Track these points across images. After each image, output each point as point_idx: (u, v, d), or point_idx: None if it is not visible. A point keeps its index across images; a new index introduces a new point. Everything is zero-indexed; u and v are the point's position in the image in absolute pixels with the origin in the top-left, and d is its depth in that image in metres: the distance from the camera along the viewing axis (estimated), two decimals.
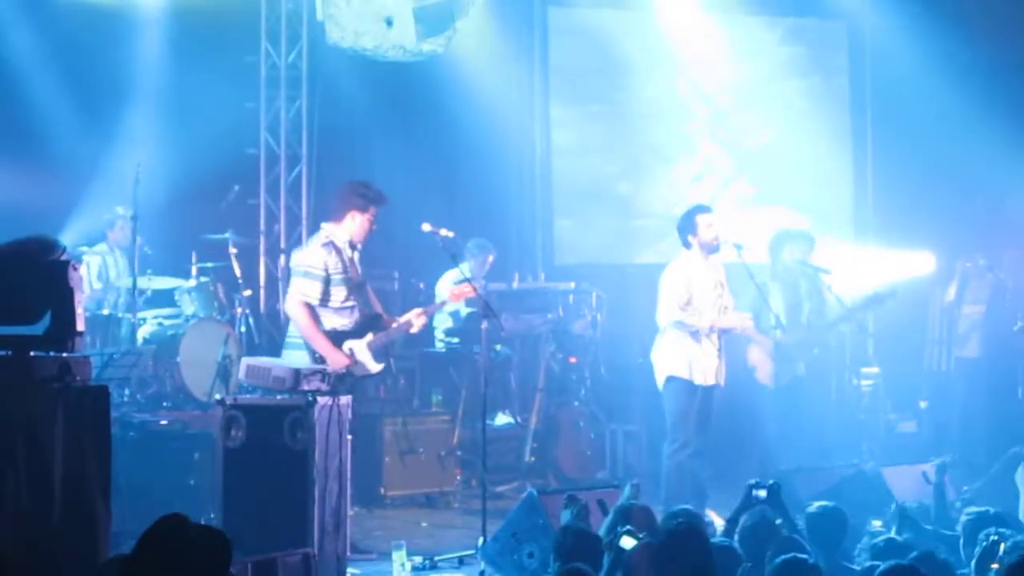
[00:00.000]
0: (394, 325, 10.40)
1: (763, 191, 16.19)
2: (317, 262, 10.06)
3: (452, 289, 10.91)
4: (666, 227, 14.64)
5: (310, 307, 10.03)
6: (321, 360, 9.88)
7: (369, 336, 10.20)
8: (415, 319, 10.48)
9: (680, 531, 6.71)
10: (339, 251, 10.12)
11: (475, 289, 10.80)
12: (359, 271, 10.31)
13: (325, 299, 10.06)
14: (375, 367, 10.29)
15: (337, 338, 10.05)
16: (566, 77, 15.95)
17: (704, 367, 11.19)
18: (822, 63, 16.67)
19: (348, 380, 10.08)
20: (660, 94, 15.91)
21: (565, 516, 8.46)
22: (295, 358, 9.86)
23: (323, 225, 10.33)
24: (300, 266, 10.13)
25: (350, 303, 10.16)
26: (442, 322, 13.57)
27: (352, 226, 10.20)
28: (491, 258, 13.77)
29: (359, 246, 10.30)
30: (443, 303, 11.24)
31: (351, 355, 10.06)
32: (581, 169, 15.93)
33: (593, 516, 8.63)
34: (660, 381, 11.33)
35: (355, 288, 10.21)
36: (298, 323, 10.09)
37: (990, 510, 8.48)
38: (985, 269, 14.56)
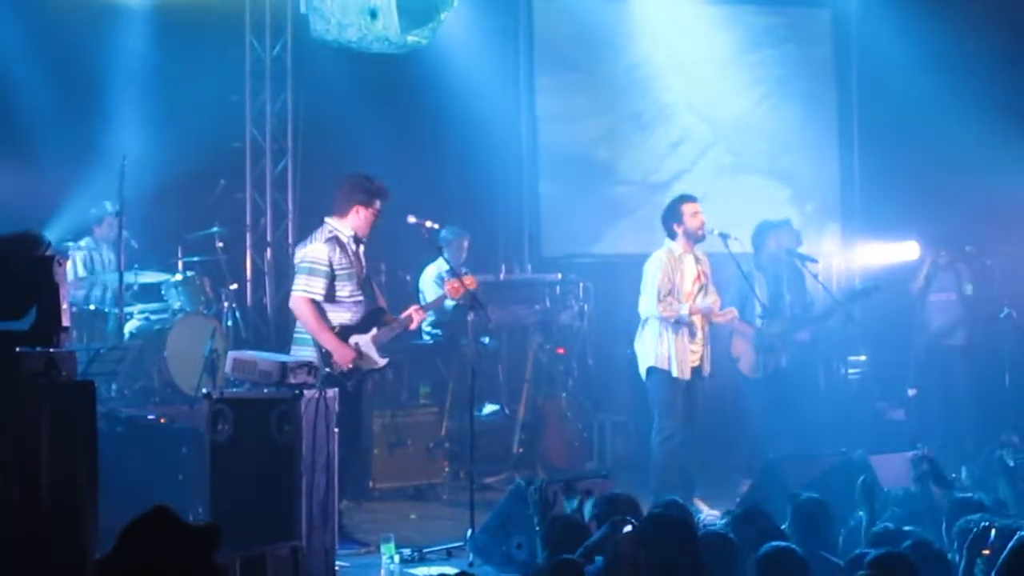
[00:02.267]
0: (394, 321, 10.38)
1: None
2: (321, 257, 9.99)
3: (449, 284, 10.82)
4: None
5: (315, 303, 9.97)
6: (328, 356, 9.86)
7: (374, 331, 10.16)
8: (415, 314, 10.47)
9: (666, 521, 6.71)
10: (343, 245, 10.06)
11: (470, 281, 10.79)
12: (364, 265, 10.25)
13: (331, 294, 9.99)
14: (380, 361, 10.26)
15: (343, 333, 10.00)
16: (551, 61, 15.95)
17: (683, 359, 11.21)
18: (805, 48, 16.66)
19: (355, 375, 10.07)
20: (638, 63, 15.90)
21: (568, 507, 8.49)
22: (303, 354, 9.82)
23: (326, 220, 10.22)
24: (304, 262, 10.03)
25: (356, 297, 10.10)
26: (429, 314, 13.53)
27: (356, 220, 10.15)
28: (466, 243, 13.72)
29: (364, 240, 10.26)
30: (443, 296, 11.16)
31: (357, 349, 10.03)
32: (568, 147, 15.95)
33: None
34: (643, 372, 11.36)
35: (360, 283, 10.16)
36: (303, 320, 10.01)
37: (973, 496, 8.50)
38: (954, 259, 14.57)
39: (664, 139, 16.08)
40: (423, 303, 12.08)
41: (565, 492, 8.76)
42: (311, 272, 9.97)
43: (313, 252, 10.03)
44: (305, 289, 9.97)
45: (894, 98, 15.88)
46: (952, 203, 15.11)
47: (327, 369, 9.79)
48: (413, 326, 10.64)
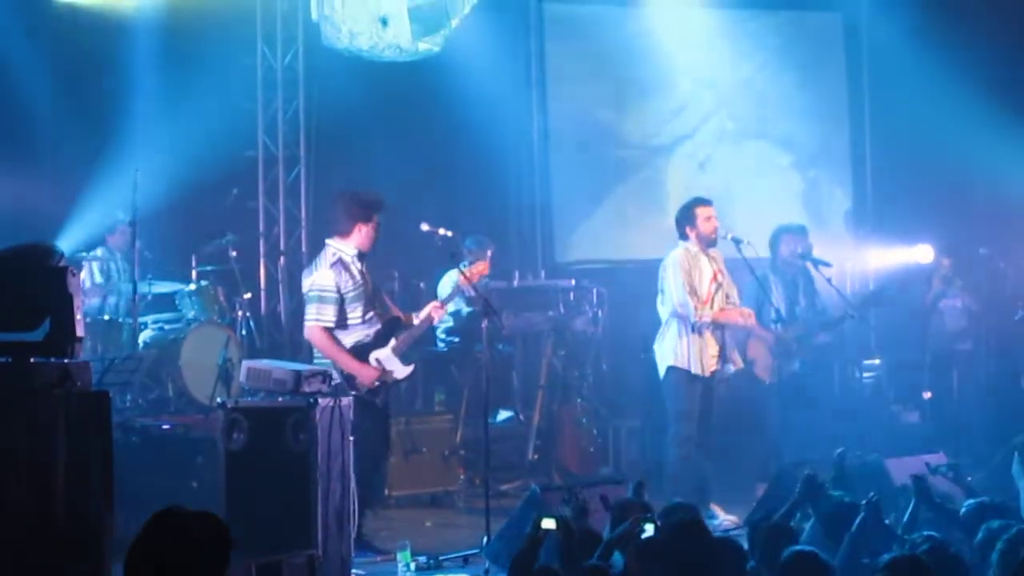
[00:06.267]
0: (416, 322, 10.35)
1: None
2: (329, 284, 9.92)
3: (464, 273, 10.82)
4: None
5: (327, 331, 9.94)
6: (351, 378, 9.85)
7: (392, 341, 10.11)
8: (434, 312, 10.43)
9: (678, 526, 6.70)
10: (348, 267, 9.99)
11: (481, 267, 10.91)
12: (370, 280, 10.22)
13: (343, 319, 9.93)
14: (404, 371, 10.21)
15: (362, 352, 9.96)
16: (562, 66, 15.96)
17: (705, 359, 11.19)
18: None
19: (382, 392, 10.07)
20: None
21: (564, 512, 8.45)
22: None
23: (328, 242, 10.16)
24: (313, 290, 9.96)
25: (368, 316, 10.05)
26: (443, 321, 13.50)
27: (360, 238, 10.07)
28: (490, 252, 13.69)
29: (366, 254, 10.23)
30: (458, 288, 11.19)
31: (379, 366, 10.02)
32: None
33: (597, 513, 8.64)
34: (661, 371, 11.34)
35: (371, 299, 10.12)
36: (320, 348, 9.97)
37: (987, 499, 8.46)
38: (954, 273, 14.60)
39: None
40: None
41: (566, 500, 8.73)
42: (320, 300, 9.92)
43: (320, 280, 9.96)
44: (317, 318, 9.92)
45: (905, 101, 15.82)
46: (966, 206, 15.09)
47: (353, 392, 9.77)
48: (436, 322, 10.64)
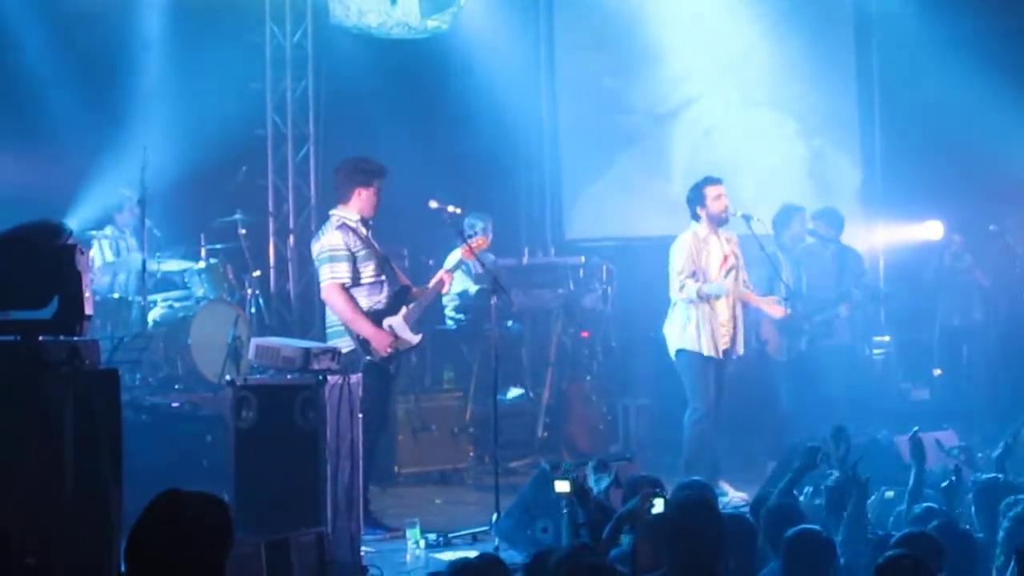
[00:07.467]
0: (423, 293, 10.37)
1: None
2: (338, 243, 9.94)
3: (464, 248, 10.86)
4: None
5: (345, 289, 9.94)
6: (366, 343, 9.86)
7: (404, 309, 10.14)
8: (444, 277, 10.45)
9: (687, 502, 6.69)
10: (354, 230, 10.02)
11: (480, 242, 11.05)
12: (378, 247, 10.24)
13: (356, 277, 9.95)
14: (414, 339, 10.25)
15: (375, 317, 9.98)
16: (570, 38, 15.93)
17: (716, 339, 11.17)
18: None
19: (394, 359, 10.08)
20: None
21: (597, 486, 8.50)
22: (341, 345, 9.78)
23: (331, 212, 10.21)
24: (323, 252, 9.99)
25: (379, 277, 10.07)
26: (452, 299, 13.51)
27: (360, 203, 10.10)
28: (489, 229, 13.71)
29: (371, 222, 10.23)
30: (460, 261, 11.24)
31: (392, 332, 10.04)
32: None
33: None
34: (672, 353, 11.34)
35: (381, 262, 10.15)
36: (337, 308, 9.97)
37: (1000, 476, 8.46)
38: (963, 248, 14.57)
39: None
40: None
41: (596, 470, 8.76)
42: (332, 259, 9.94)
43: (329, 241, 10.00)
44: (332, 276, 9.94)
45: (916, 65, 15.69)
46: (977, 181, 15.02)
47: (368, 357, 9.78)
48: (445, 289, 10.67)
